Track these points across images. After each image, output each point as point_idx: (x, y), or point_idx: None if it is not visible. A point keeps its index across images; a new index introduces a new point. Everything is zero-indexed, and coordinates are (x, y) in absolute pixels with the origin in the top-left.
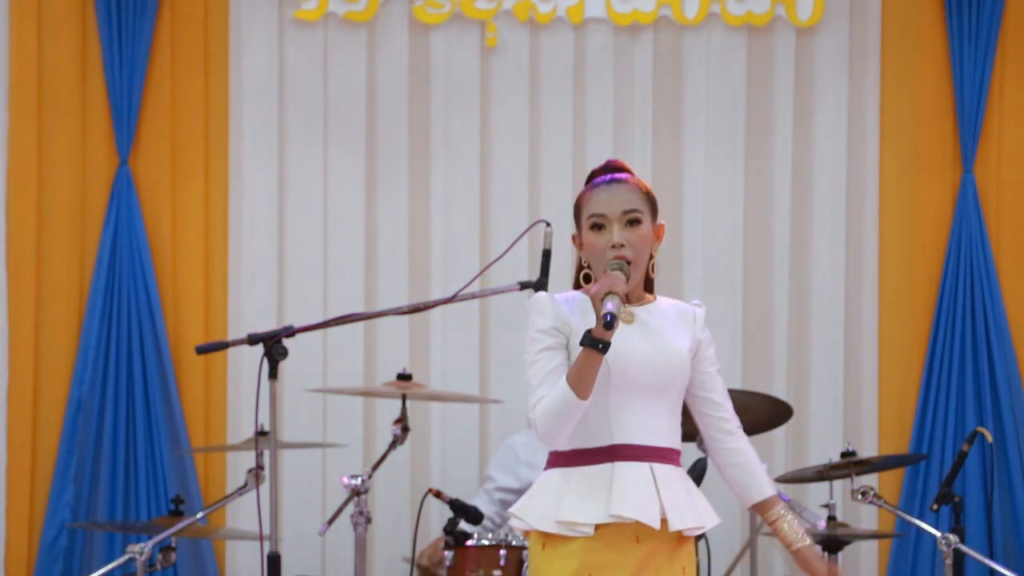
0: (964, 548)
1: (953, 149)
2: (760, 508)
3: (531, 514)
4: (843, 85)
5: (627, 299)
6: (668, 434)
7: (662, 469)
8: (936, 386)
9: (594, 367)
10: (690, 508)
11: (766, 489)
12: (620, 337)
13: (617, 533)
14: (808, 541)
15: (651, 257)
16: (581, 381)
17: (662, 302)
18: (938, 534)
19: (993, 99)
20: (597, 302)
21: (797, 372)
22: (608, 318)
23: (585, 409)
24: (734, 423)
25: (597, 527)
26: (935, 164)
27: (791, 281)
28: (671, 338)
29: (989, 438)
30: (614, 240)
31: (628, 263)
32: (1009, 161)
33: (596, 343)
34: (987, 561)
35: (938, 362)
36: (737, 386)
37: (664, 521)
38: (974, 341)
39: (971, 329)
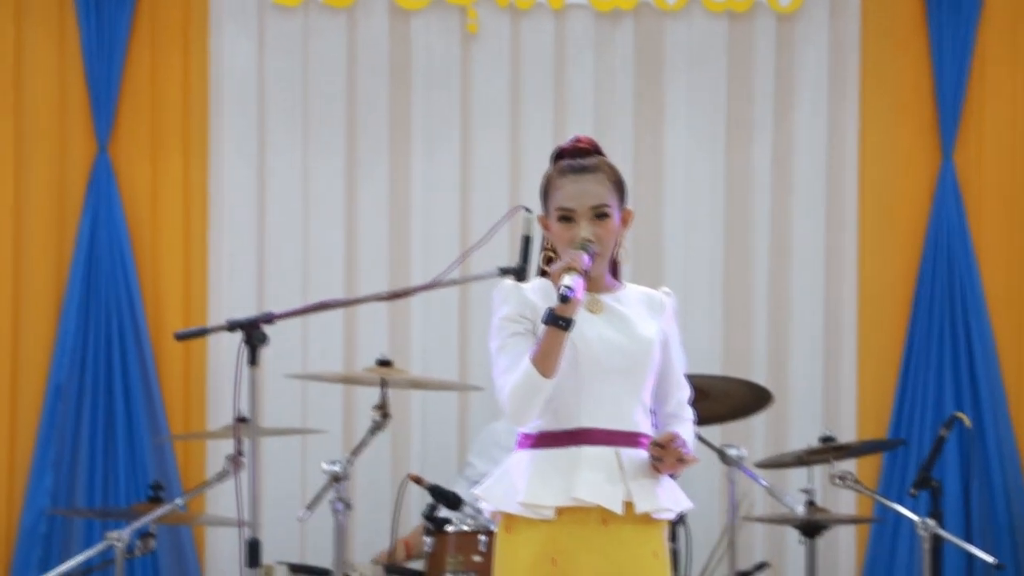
0: (942, 533)
1: (933, 135)
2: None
3: (495, 495)
4: (823, 71)
5: (594, 287)
6: (637, 419)
7: (629, 453)
8: (915, 371)
9: (557, 344)
10: (657, 491)
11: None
12: (589, 325)
13: (582, 517)
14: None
15: (617, 244)
16: (545, 359)
17: (630, 289)
18: (916, 519)
19: (973, 86)
20: (556, 278)
21: (777, 358)
22: (563, 290)
23: (551, 388)
24: (680, 416)
25: (561, 511)
26: (915, 150)
27: (771, 267)
28: (639, 325)
29: (967, 423)
30: (582, 235)
31: (597, 251)
32: (989, 148)
33: (557, 319)
34: (965, 545)
35: (917, 348)
36: (717, 372)
37: (630, 505)
38: (952, 326)
39: (949, 314)
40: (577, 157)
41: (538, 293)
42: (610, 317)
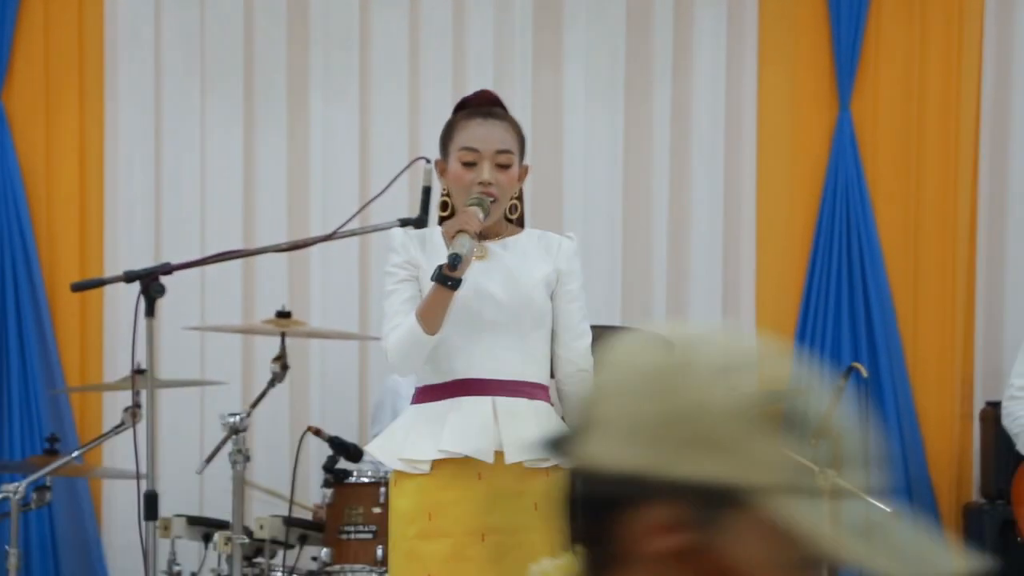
0: (839, 482)
1: (830, 86)
2: None
3: (381, 450)
4: (721, 22)
5: (485, 233)
6: (521, 368)
7: (508, 402)
8: (812, 322)
9: (442, 303)
10: (533, 441)
11: None
12: (468, 273)
13: (457, 470)
14: None
15: (512, 197)
16: (429, 316)
17: (527, 235)
18: (815, 468)
19: (870, 36)
20: (449, 239)
21: (676, 308)
22: (451, 258)
23: (434, 343)
24: (579, 364)
25: (436, 464)
26: (812, 101)
27: (670, 218)
28: (522, 272)
29: (864, 373)
30: (483, 178)
31: (493, 200)
32: (885, 98)
33: (445, 279)
34: (862, 495)
35: (814, 298)
36: (616, 322)
37: (504, 455)
38: (850, 277)
39: (847, 265)
40: (483, 106)
41: (423, 243)
42: (492, 266)
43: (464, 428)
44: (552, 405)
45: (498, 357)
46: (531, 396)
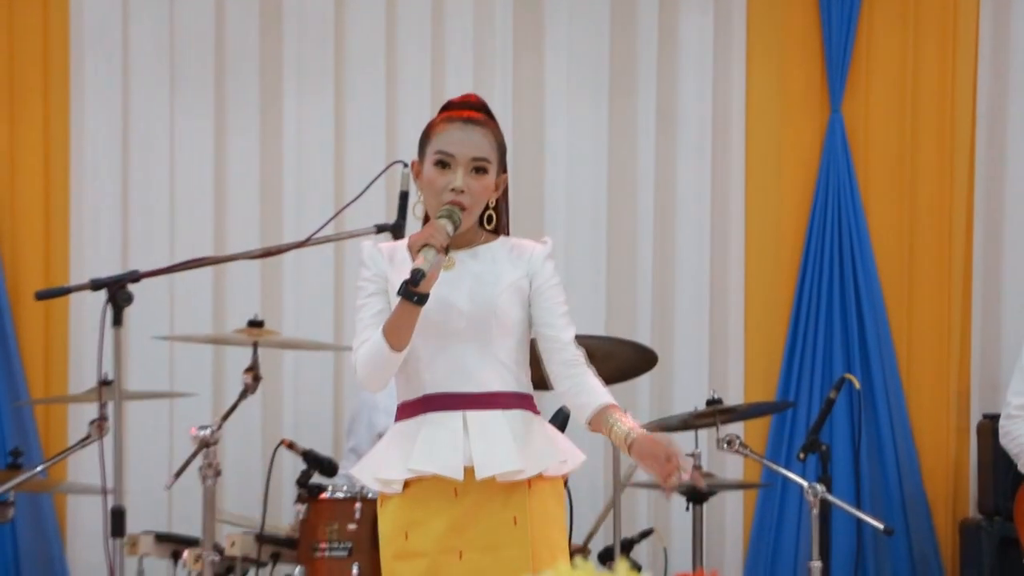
0: (831, 498)
1: (821, 89)
2: (596, 423)
3: (361, 471)
4: (709, 21)
5: (455, 242)
6: (492, 379)
7: (479, 416)
8: (803, 332)
9: (407, 318)
10: (508, 454)
11: (595, 399)
12: (434, 285)
13: (432, 488)
14: (638, 433)
15: (487, 208)
16: (394, 331)
17: (500, 243)
18: (805, 483)
19: (861, 38)
20: (414, 253)
21: (662, 318)
22: (413, 273)
23: (401, 359)
24: (569, 352)
25: (411, 482)
26: (803, 104)
27: (656, 225)
28: (489, 279)
29: (857, 385)
30: (455, 184)
31: (463, 209)
32: (877, 101)
33: (410, 295)
34: (853, 511)
35: (805, 307)
36: (601, 333)
37: (474, 470)
38: (842, 286)
39: (839, 273)
40: (465, 110)
41: (390, 257)
42: (458, 275)
43: (433, 445)
44: (537, 414)
45: (467, 369)
46: (506, 407)
